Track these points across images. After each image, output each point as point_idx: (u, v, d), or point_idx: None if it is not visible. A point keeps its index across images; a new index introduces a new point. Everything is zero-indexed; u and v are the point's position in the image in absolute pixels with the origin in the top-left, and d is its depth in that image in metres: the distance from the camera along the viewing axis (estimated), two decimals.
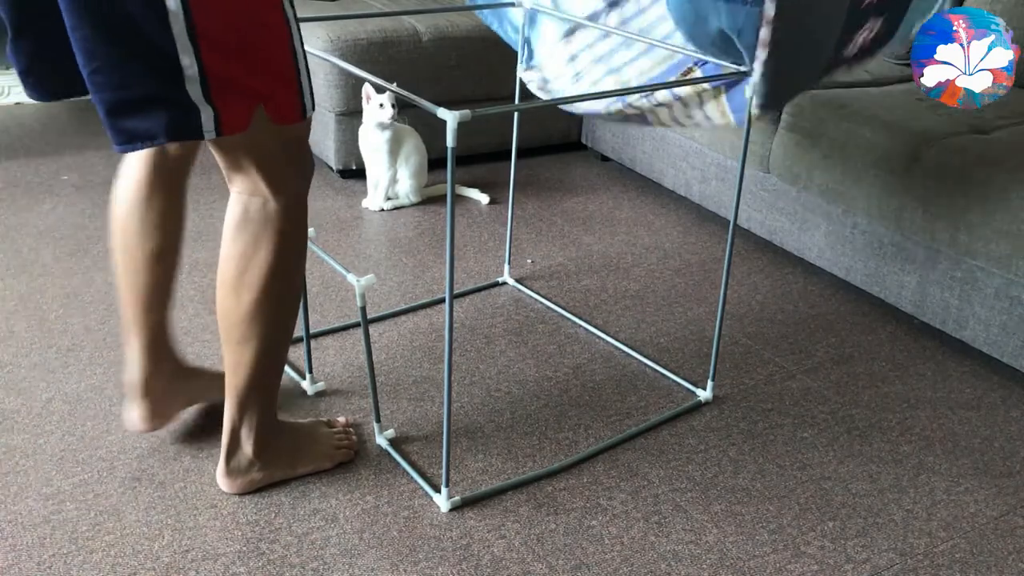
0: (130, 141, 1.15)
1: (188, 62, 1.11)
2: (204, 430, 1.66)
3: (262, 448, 1.49)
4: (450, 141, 1.26)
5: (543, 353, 1.97)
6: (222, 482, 1.51)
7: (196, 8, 1.09)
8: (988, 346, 1.93)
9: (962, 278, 1.95)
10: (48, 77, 1.24)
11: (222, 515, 1.46)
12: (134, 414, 1.58)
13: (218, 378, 1.65)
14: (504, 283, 2.26)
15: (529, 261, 2.38)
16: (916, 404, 1.86)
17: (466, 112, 1.25)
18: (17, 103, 3.43)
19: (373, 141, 2.58)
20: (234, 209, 1.33)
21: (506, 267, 2.28)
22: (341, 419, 1.68)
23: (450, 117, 1.25)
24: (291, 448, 1.55)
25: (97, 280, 2.17)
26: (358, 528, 1.45)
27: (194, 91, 1.13)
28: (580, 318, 2.10)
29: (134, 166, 1.46)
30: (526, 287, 2.23)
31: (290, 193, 1.32)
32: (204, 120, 1.15)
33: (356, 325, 2.03)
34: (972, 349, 2.01)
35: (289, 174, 1.31)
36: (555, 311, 2.14)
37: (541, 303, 2.17)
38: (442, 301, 2.15)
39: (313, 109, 1.28)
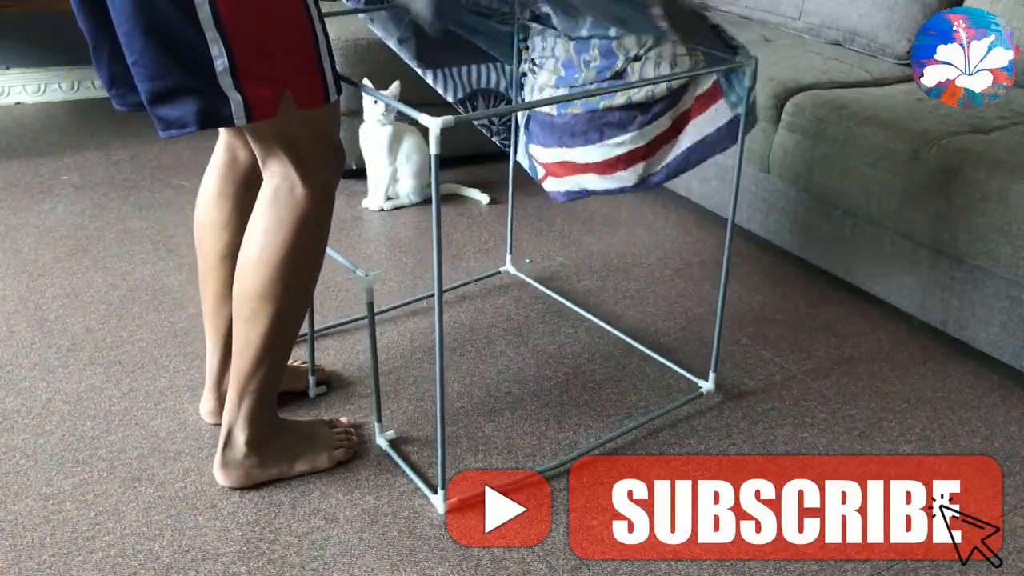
0: (167, 128, 1.23)
1: (217, 52, 1.18)
2: (205, 431, 1.66)
3: (257, 442, 1.50)
4: (433, 148, 1.25)
5: (543, 353, 1.97)
6: (217, 474, 1.51)
7: (221, 2, 1.15)
8: (988, 346, 1.93)
9: (962, 278, 1.95)
10: (132, 88, 1.29)
11: (222, 515, 1.47)
12: (205, 406, 1.67)
13: (289, 372, 1.74)
14: (506, 272, 2.26)
15: (528, 260, 2.39)
16: (916, 404, 1.86)
17: (448, 118, 1.24)
18: (17, 103, 3.43)
19: (373, 137, 2.58)
20: (265, 190, 1.38)
21: (507, 256, 2.28)
22: (344, 419, 1.68)
23: (433, 124, 1.24)
24: (288, 446, 1.55)
25: (97, 280, 2.17)
26: (358, 528, 1.45)
27: (224, 81, 1.20)
28: (580, 313, 2.10)
29: (210, 168, 1.55)
30: (527, 277, 2.24)
31: (318, 182, 1.36)
32: (234, 108, 1.21)
33: (356, 325, 2.03)
34: (972, 349, 2.01)
35: (317, 163, 1.36)
36: (555, 308, 2.13)
37: (541, 301, 2.17)
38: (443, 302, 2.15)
39: (338, 94, 1.33)
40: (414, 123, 1.68)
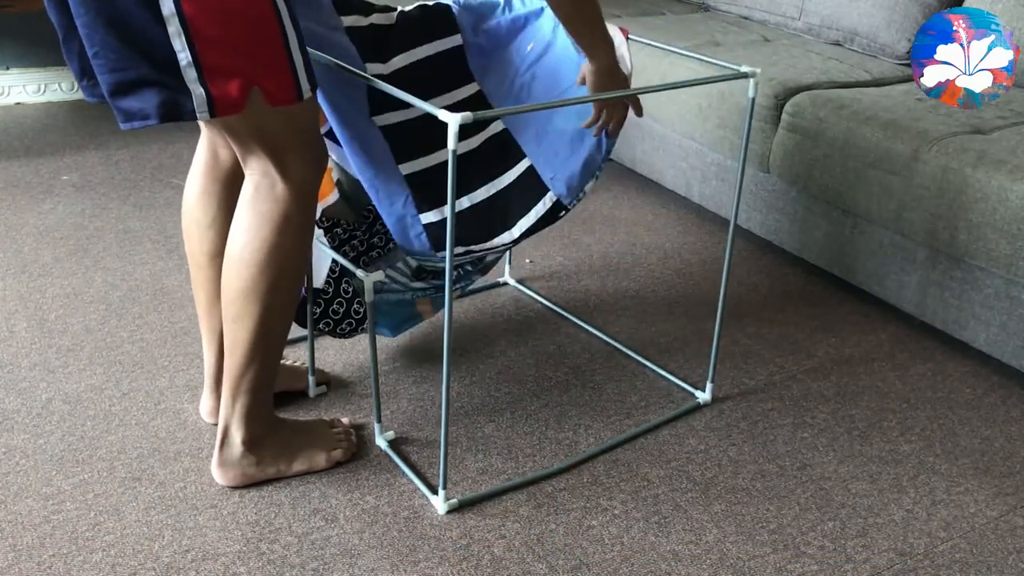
0: (128, 120, 1.22)
1: (180, 46, 1.17)
2: (204, 431, 1.66)
3: (253, 441, 1.50)
4: (451, 144, 1.25)
5: (543, 353, 1.97)
6: (215, 473, 1.52)
7: None
8: (988, 346, 1.93)
9: (962, 278, 1.95)
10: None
11: (222, 515, 1.47)
12: (204, 405, 1.67)
13: (286, 370, 1.74)
14: (505, 283, 2.26)
15: (528, 261, 2.39)
16: (916, 404, 1.86)
17: (467, 114, 1.24)
18: (17, 103, 3.43)
19: None
20: (247, 188, 1.37)
21: (507, 267, 2.28)
22: (345, 420, 1.68)
23: (451, 120, 1.24)
24: (286, 445, 1.55)
25: (97, 280, 2.17)
26: (358, 528, 1.45)
27: (188, 74, 1.19)
28: (580, 318, 2.10)
29: (193, 168, 1.55)
30: (527, 287, 2.24)
31: (298, 179, 1.35)
32: (196, 102, 1.20)
33: None
34: (972, 349, 2.01)
35: (296, 160, 1.34)
36: (556, 307, 2.13)
37: (541, 303, 2.17)
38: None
39: (312, 92, 1.31)
40: None
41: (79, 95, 3.50)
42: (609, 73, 1.54)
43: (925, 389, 1.91)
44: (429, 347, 1.95)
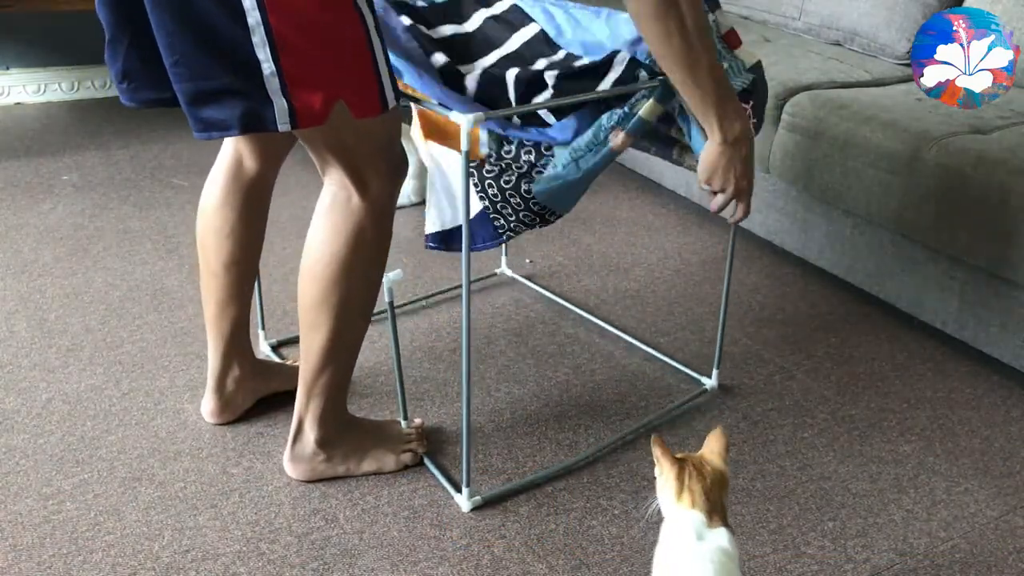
0: (207, 130, 1.18)
1: (264, 56, 1.14)
2: (204, 431, 1.66)
3: (326, 440, 1.51)
4: (464, 144, 1.25)
5: (543, 353, 1.97)
6: (287, 467, 1.53)
7: (271, 6, 1.11)
8: (988, 346, 1.93)
9: (962, 278, 1.95)
10: (143, 84, 1.27)
11: (222, 515, 1.47)
12: (206, 406, 1.67)
13: (288, 370, 1.74)
14: (501, 274, 2.26)
15: (528, 261, 2.39)
16: (916, 404, 1.86)
17: (479, 115, 1.24)
18: (17, 103, 3.43)
19: None
20: (323, 198, 1.35)
21: (503, 258, 2.28)
22: (417, 420, 1.67)
23: (464, 120, 1.23)
24: (357, 444, 1.55)
25: (97, 280, 2.17)
26: (358, 528, 1.46)
27: (271, 84, 1.15)
28: (580, 312, 2.10)
29: (214, 174, 1.53)
30: (523, 278, 2.24)
31: (375, 193, 1.33)
32: (278, 113, 1.17)
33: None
34: (972, 349, 2.01)
35: (374, 174, 1.32)
36: (555, 308, 2.13)
37: (541, 301, 2.17)
38: (442, 299, 2.15)
39: (396, 101, 1.27)
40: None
41: (79, 95, 3.50)
42: (730, 148, 1.38)
43: (925, 389, 1.91)
44: (428, 347, 1.95)
